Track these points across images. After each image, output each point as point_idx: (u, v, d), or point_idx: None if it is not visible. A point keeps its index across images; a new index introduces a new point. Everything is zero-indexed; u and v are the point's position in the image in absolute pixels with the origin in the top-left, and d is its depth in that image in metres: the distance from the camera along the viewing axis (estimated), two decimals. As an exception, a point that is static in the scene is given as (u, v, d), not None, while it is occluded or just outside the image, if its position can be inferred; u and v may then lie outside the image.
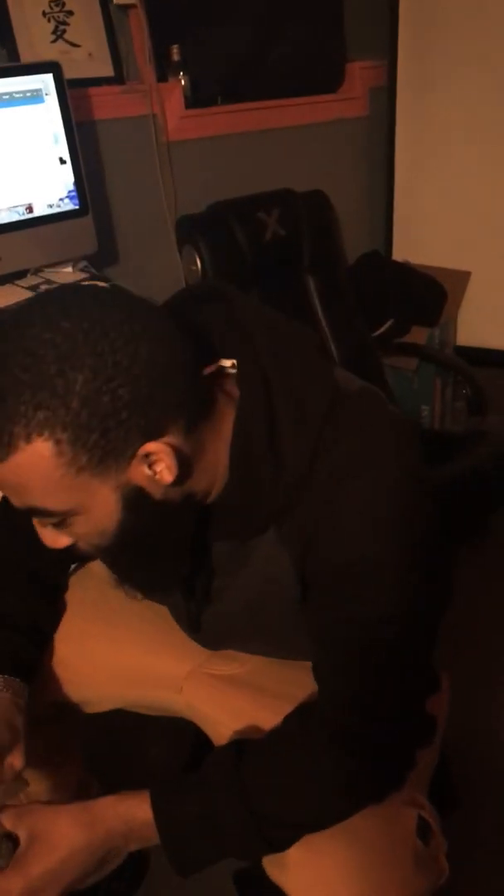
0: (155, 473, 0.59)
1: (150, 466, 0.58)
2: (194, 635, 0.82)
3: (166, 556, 0.66)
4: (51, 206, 1.47)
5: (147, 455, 0.57)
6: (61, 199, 1.49)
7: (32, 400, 0.53)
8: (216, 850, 0.66)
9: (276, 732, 0.70)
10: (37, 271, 1.52)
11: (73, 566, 0.95)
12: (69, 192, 1.49)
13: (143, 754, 1.32)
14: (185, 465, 0.60)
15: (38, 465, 0.55)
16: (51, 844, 0.65)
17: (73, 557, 0.90)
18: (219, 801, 0.64)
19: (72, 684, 0.89)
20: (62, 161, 1.46)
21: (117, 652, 0.88)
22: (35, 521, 0.63)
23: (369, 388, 0.68)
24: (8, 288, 1.47)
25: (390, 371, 2.06)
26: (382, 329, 1.99)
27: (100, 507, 0.59)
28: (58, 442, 0.54)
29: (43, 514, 0.60)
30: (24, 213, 1.45)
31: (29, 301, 0.59)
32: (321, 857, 0.66)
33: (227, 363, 0.67)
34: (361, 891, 0.64)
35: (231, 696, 0.82)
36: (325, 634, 0.66)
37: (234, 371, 0.66)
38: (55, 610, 0.89)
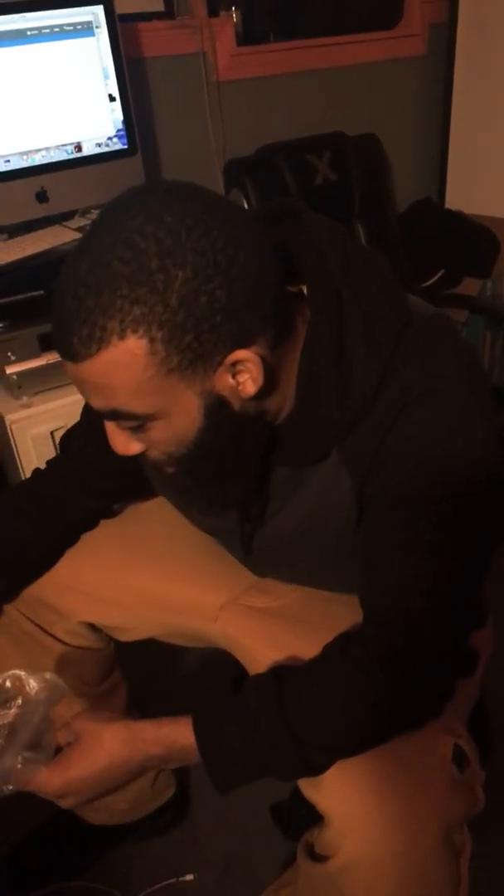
0: (238, 384, 0.58)
1: (234, 377, 0.58)
2: (244, 557, 0.83)
3: (234, 471, 0.65)
4: (99, 145, 1.46)
5: (234, 364, 0.57)
6: (110, 139, 1.47)
7: (130, 294, 0.51)
8: (256, 771, 0.67)
9: (316, 659, 0.71)
10: (84, 212, 1.52)
11: (115, 507, 0.97)
12: (118, 130, 1.47)
13: (183, 689, 1.36)
14: (268, 379, 0.59)
15: (129, 363, 0.54)
16: (93, 754, 0.67)
17: (121, 492, 0.92)
18: (260, 725, 0.65)
19: (108, 607, 0.91)
20: (111, 98, 1.44)
21: (154, 580, 0.90)
22: (111, 425, 0.62)
23: (442, 314, 0.67)
24: (56, 229, 1.47)
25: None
26: (432, 280, 1.94)
27: (182, 413, 0.58)
28: (152, 340, 0.53)
29: (124, 416, 0.59)
30: (72, 153, 1.44)
31: (127, 193, 0.56)
32: (355, 775, 0.67)
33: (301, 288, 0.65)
34: (394, 808, 0.65)
35: (267, 626, 0.83)
36: (377, 556, 0.66)
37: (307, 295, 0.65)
38: (64, 539, 0.92)
